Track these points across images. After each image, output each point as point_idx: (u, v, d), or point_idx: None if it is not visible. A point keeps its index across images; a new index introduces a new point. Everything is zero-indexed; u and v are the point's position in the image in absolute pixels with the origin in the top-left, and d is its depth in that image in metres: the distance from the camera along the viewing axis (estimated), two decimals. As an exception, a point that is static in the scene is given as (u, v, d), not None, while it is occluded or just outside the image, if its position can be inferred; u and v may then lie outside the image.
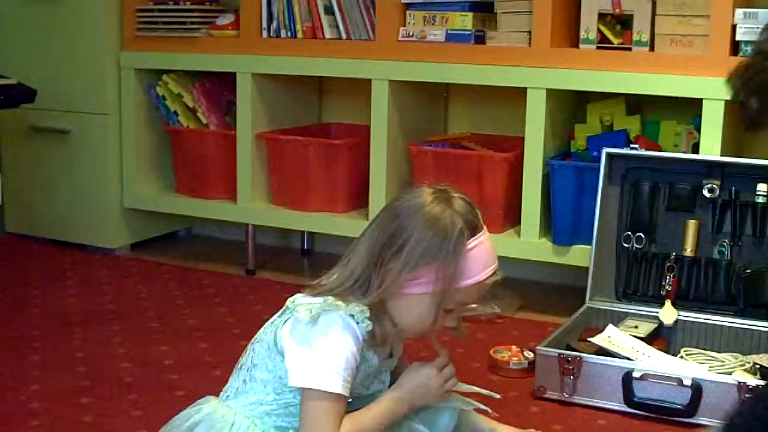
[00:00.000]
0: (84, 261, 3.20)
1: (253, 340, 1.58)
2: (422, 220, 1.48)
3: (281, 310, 1.54)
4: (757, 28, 2.34)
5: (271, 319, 1.56)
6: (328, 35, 2.92)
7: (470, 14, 2.70)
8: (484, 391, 1.67)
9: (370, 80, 2.80)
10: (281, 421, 1.51)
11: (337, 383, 1.44)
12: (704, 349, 2.27)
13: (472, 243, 1.49)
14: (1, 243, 3.40)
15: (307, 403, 1.46)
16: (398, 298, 1.50)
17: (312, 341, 1.46)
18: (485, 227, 1.54)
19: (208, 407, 1.54)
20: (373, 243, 1.50)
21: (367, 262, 1.50)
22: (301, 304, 1.49)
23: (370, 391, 1.57)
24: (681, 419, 2.01)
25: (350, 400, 1.50)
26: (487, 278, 1.52)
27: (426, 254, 1.46)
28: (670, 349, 2.29)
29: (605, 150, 2.43)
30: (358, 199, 2.93)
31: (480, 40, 2.72)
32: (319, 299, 1.48)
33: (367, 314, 1.47)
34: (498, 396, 1.69)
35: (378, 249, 1.49)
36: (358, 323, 1.47)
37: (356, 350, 1.47)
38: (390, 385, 1.59)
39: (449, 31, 2.72)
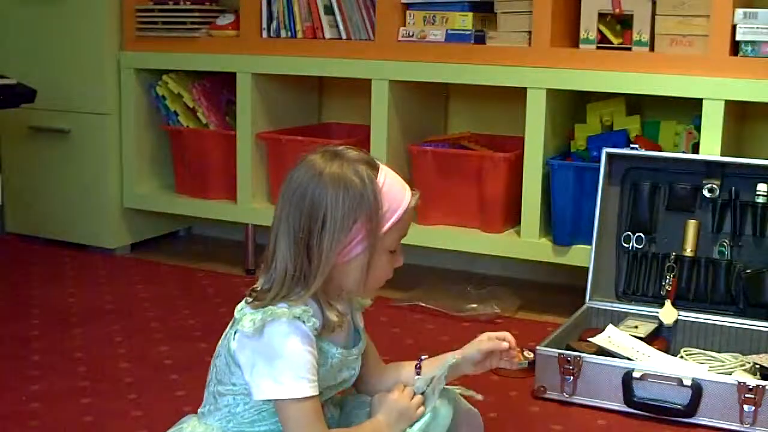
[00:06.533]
0: (84, 261, 3.19)
1: (214, 355, 1.56)
2: (329, 185, 1.45)
3: (231, 321, 1.51)
4: (758, 28, 2.35)
5: (225, 332, 1.54)
6: (328, 35, 2.91)
7: (470, 14, 2.70)
8: (468, 392, 1.67)
9: (370, 80, 2.80)
10: (258, 427, 1.51)
11: (302, 387, 1.43)
12: (704, 349, 2.28)
13: (381, 180, 1.49)
14: (1, 243, 3.40)
15: (282, 413, 1.45)
16: (340, 267, 1.48)
17: (264, 354, 1.44)
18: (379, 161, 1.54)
19: (188, 427, 1.54)
20: (292, 232, 1.46)
21: (295, 253, 1.46)
22: (245, 315, 1.46)
23: (339, 380, 1.56)
24: (681, 419, 2.01)
25: (321, 391, 1.49)
26: (411, 202, 1.52)
27: (350, 215, 1.44)
28: (670, 349, 2.29)
29: (605, 150, 2.43)
30: (358, 199, 2.92)
31: (480, 40, 2.72)
32: (260, 311, 1.45)
33: (310, 312, 1.45)
34: (480, 397, 1.68)
35: (300, 236, 1.45)
36: (304, 322, 1.44)
37: (310, 348, 1.45)
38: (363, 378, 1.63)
39: (449, 31, 2.72)
